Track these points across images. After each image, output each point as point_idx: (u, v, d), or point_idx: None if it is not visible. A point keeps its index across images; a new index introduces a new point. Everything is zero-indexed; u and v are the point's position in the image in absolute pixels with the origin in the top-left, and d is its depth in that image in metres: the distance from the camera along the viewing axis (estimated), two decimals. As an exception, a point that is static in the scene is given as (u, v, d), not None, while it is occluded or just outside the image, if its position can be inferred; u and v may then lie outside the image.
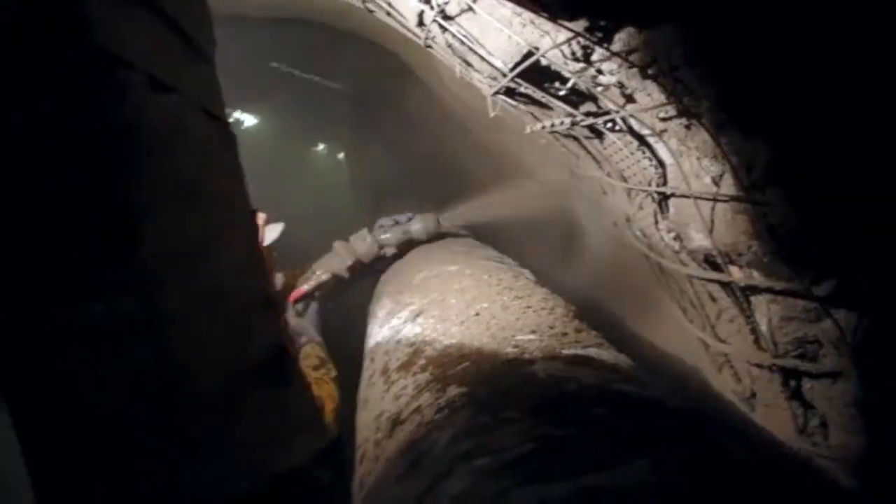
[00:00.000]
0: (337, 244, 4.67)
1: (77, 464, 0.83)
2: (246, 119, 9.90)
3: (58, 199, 0.84)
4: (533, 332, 1.79)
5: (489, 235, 4.84)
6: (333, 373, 3.25)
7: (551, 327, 1.85)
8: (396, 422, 1.60)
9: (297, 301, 4.16)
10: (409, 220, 4.77)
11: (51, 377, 0.83)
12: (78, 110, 0.86)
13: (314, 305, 4.26)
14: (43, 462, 0.82)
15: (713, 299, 2.05)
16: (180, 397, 0.93)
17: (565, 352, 1.63)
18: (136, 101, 0.95)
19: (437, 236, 4.74)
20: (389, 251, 4.70)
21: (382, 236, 4.68)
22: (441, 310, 2.20)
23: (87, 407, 0.84)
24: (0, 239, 0.82)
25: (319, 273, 4.42)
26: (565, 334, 1.80)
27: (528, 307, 2.05)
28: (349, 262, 4.55)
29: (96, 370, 0.85)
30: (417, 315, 2.30)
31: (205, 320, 1.05)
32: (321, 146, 12.30)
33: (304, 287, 4.26)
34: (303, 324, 3.80)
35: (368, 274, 4.60)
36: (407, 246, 4.67)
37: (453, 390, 1.53)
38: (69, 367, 0.84)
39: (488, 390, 1.49)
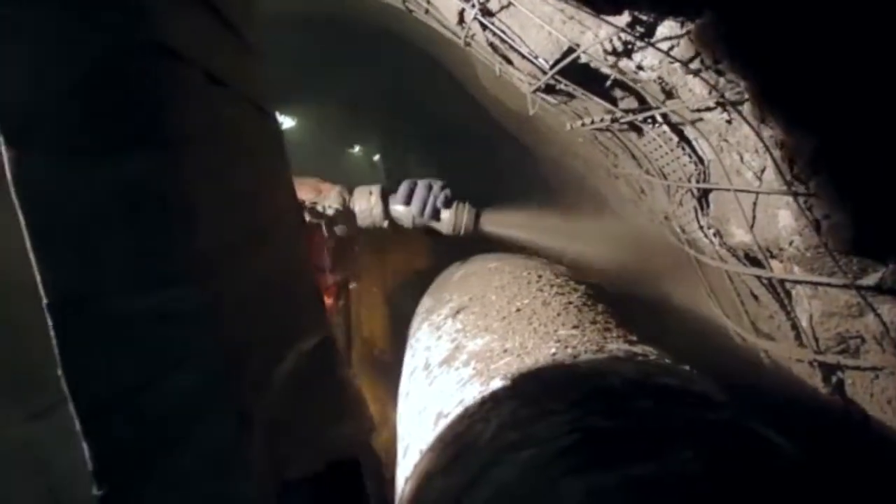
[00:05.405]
0: (338, 188, 3.72)
1: (138, 443, 0.86)
2: (283, 121, 9.94)
3: (117, 193, 0.87)
4: (575, 326, 1.80)
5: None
6: None
7: (593, 322, 1.85)
8: (440, 415, 1.62)
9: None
10: (446, 201, 3.75)
11: (117, 363, 0.85)
12: (138, 104, 0.89)
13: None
14: (106, 446, 0.85)
15: (754, 295, 2.04)
16: (237, 380, 0.95)
17: (608, 346, 1.64)
18: (193, 95, 0.98)
19: (467, 237, 3.81)
20: (407, 222, 3.77)
21: (395, 207, 3.73)
22: (481, 306, 2.22)
23: (149, 389, 0.87)
24: (66, 233, 0.85)
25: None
26: (608, 329, 1.80)
27: (570, 303, 2.05)
28: (328, 210, 3.56)
29: (158, 353, 0.87)
30: (458, 312, 2.31)
31: (258, 308, 1.08)
32: (357, 148, 12.34)
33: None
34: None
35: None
36: (426, 231, 3.85)
37: (496, 383, 1.54)
38: (133, 352, 0.86)
39: (531, 383, 1.50)
